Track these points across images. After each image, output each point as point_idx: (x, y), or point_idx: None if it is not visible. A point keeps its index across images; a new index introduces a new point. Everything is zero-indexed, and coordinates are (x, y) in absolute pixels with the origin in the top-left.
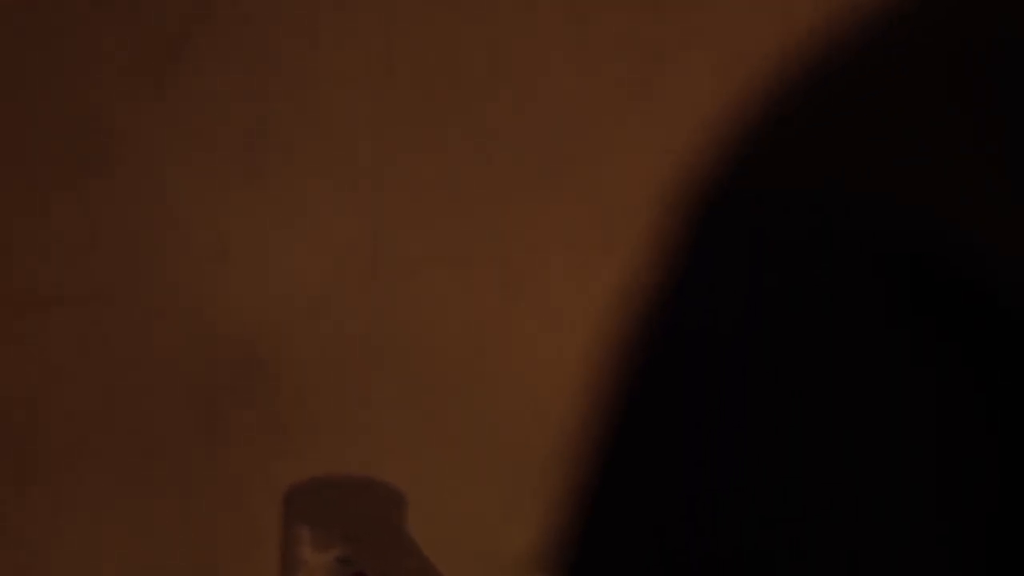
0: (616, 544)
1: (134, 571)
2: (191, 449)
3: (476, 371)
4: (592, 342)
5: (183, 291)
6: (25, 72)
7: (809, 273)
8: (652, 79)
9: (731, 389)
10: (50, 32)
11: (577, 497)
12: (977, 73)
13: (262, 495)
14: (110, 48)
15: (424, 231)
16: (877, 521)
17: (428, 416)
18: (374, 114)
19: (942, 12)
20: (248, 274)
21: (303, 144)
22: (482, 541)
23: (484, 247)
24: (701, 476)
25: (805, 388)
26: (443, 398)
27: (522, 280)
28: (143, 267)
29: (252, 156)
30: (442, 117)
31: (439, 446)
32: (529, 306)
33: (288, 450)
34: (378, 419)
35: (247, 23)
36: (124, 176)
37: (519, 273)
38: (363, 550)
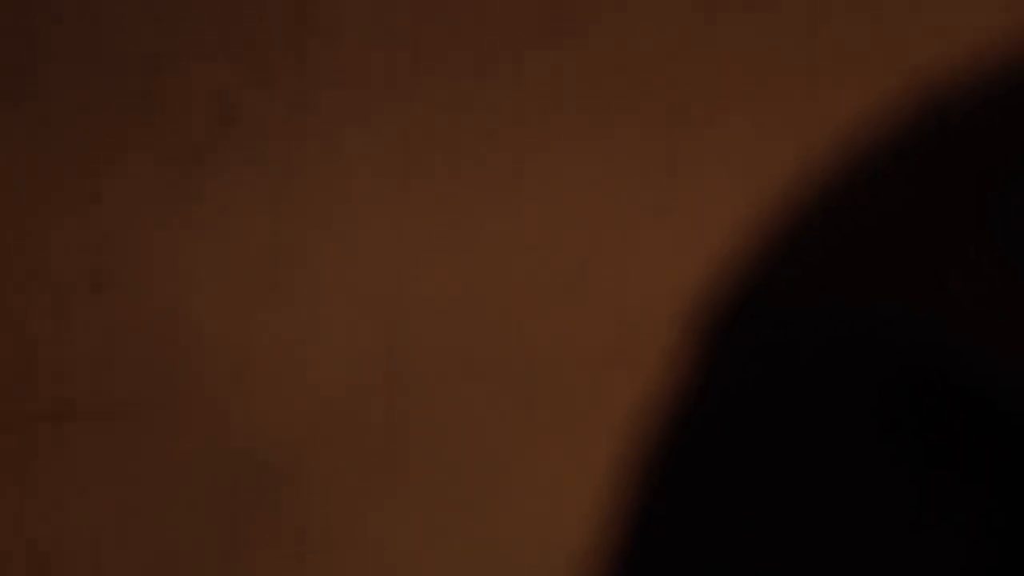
0: None
1: None
2: (209, 563)
3: (495, 485)
4: (610, 457)
5: (202, 404)
6: (47, 185)
7: (823, 387)
8: (669, 193)
9: (748, 509)
10: (73, 143)
11: None
12: (986, 189)
13: None
14: (132, 160)
15: (443, 345)
16: None
17: (446, 530)
18: (394, 226)
19: (957, 132)
20: (267, 387)
21: (324, 256)
22: None
23: (502, 361)
24: None
25: (821, 508)
26: (461, 512)
27: (540, 394)
28: (163, 380)
29: (273, 268)
30: (461, 231)
31: (457, 560)
32: (547, 420)
33: (307, 563)
34: (396, 532)
35: (269, 136)
36: (144, 289)
37: (537, 387)
38: None
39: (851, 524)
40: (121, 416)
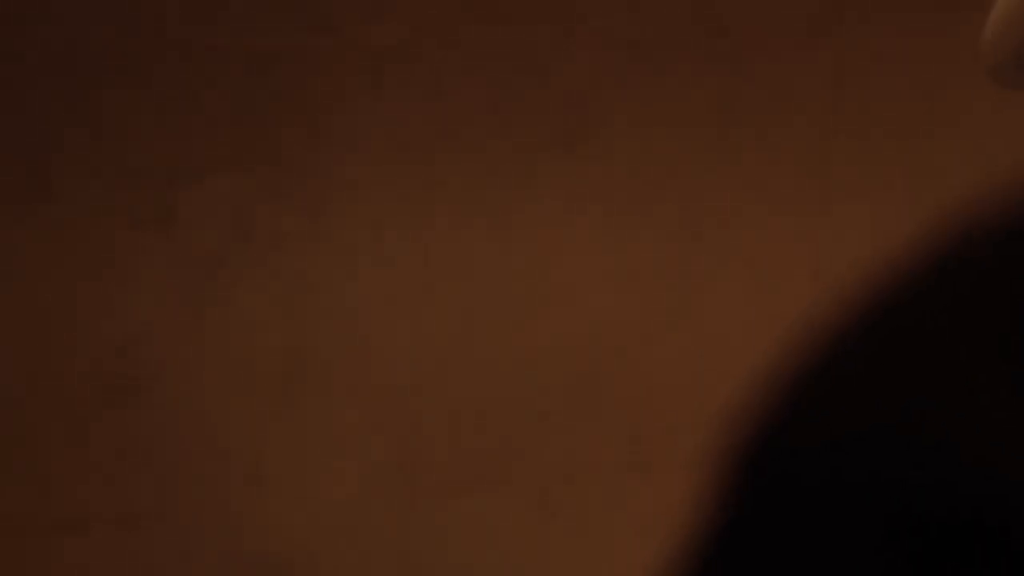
0: None
1: None
2: None
3: None
4: (628, 567)
5: (218, 513)
6: (64, 295)
7: (840, 520)
8: (687, 303)
9: None
10: (90, 254)
11: None
12: (1008, 326)
13: None
14: (148, 270)
15: (457, 452)
16: None
17: None
18: (409, 336)
19: (977, 269)
20: (282, 494)
21: (340, 367)
22: None
23: (517, 468)
24: None
25: None
26: None
27: (557, 504)
28: (179, 489)
29: (287, 377)
30: (479, 341)
31: None
32: (565, 530)
33: None
34: None
35: (285, 246)
36: (162, 399)
37: (555, 497)
38: None
39: None
40: (138, 523)
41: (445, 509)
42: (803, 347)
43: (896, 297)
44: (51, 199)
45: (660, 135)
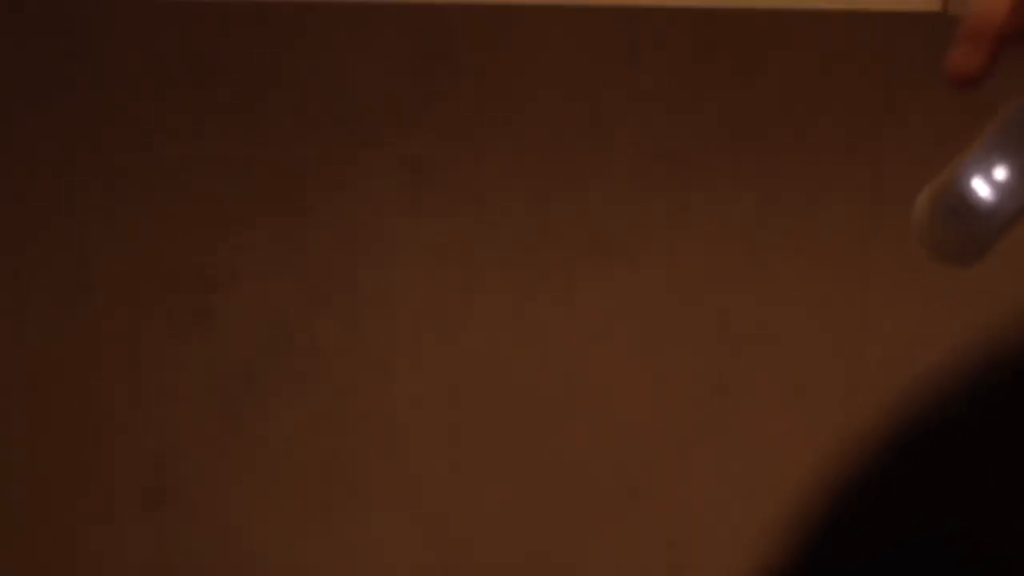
0: None
1: None
2: None
3: None
4: None
5: None
6: (104, 404)
7: None
8: (724, 412)
9: None
10: (128, 361)
11: None
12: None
13: None
14: (187, 378)
15: (496, 562)
16: None
17: None
18: (448, 445)
19: (1006, 392)
20: None
21: (376, 475)
22: None
23: (554, 574)
24: None
25: None
26: None
27: None
28: None
29: (324, 487)
30: (515, 447)
31: None
32: None
33: None
34: None
35: (320, 354)
36: (196, 507)
37: None
38: None
39: None
40: None
41: None
42: (842, 462)
43: (930, 416)
44: (89, 305)
45: (697, 244)
